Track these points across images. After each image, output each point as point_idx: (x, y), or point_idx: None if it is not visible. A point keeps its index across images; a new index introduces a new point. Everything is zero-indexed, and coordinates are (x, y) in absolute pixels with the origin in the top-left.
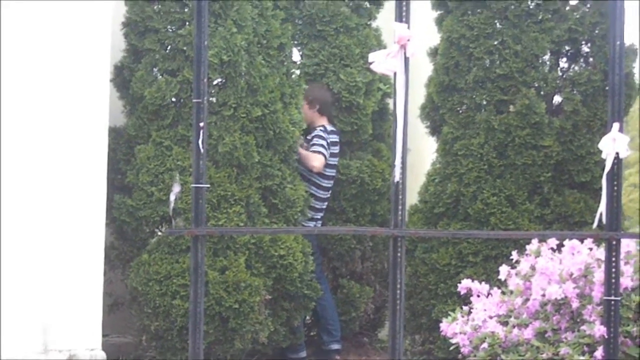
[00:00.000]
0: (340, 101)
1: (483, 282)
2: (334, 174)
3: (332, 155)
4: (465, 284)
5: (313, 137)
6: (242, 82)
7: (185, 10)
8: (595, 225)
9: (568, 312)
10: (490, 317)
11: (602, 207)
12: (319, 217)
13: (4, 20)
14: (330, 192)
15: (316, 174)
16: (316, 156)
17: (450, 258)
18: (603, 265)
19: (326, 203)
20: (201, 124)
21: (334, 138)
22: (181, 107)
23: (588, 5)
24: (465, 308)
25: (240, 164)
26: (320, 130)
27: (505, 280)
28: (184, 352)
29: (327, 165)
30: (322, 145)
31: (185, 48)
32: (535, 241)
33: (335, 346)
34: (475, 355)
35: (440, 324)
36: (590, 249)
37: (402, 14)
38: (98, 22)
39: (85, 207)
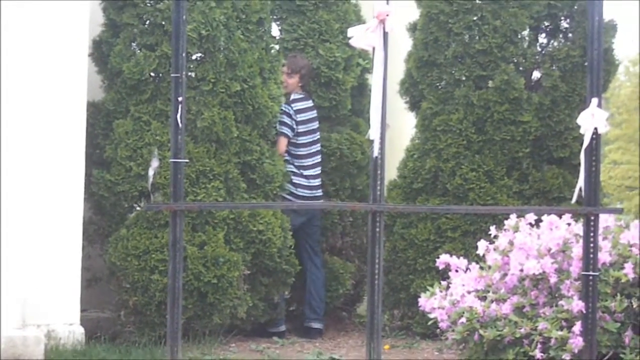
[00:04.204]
0: (319, 76)
1: (461, 257)
2: (310, 140)
3: (302, 122)
4: (443, 259)
5: None
6: (220, 56)
7: None
8: (574, 200)
9: (546, 287)
10: (469, 292)
11: (581, 182)
12: (314, 184)
13: None
14: (317, 160)
15: (289, 146)
16: (278, 141)
17: (429, 233)
18: (581, 241)
19: (314, 171)
20: (180, 99)
21: (300, 105)
22: (160, 82)
23: None
24: (444, 283)
25: (219, 139)
26: (283, 106)
27: (484, 255)
28: (163, 327)
29: (298, 134)
30: (283, 124)
31: (163, 22)
32: (513, 216)
33: (316, 325)
34: (453, 330)
35: (419, 299)
36: (569, 224)
37: None
38: None
39: (63, 182)
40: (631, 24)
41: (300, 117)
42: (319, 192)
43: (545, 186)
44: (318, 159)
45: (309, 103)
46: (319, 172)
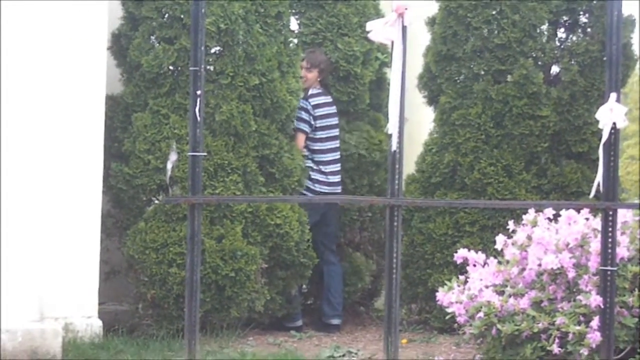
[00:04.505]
0: (337, 70)
1: (479, 252)
2: (328, 135)
3: (320, 117)
4: (461, 254)
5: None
6: (239, 50)
7: None
8: (592, 195)
9: (564, 281)
10: (487, 287)
11: (599, 177)
12: (333, 181)
13: None
14: (336, 156)
15: (307, 141)
16: (296, 137)
17: (447, 228)
18: (599, 236)
19: (333, 167)
20: (198, 92)
21: (318, 100)
22: (178, 76)
23: None
24: (462, 277)
25: (238, 132)
26: (301, 102)
27: (502, 250)
28: (180, 320)
29: (316, 129)
30: (300, 120)
31: (182, 16)
32: (532, 211)
33: (336, 321)
34: (471, 325)
35: (437, 293)
36: (587, 219)
37: None
38: None
39: (82, 175)
40: None
41: (319, 112)
42: (338, 189)
43: (563, 181)
44: (337, 155)
45: (328, 98)
46: (339, 168)
